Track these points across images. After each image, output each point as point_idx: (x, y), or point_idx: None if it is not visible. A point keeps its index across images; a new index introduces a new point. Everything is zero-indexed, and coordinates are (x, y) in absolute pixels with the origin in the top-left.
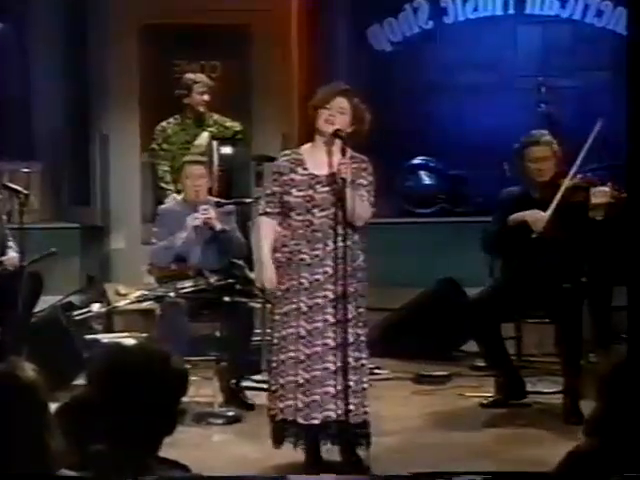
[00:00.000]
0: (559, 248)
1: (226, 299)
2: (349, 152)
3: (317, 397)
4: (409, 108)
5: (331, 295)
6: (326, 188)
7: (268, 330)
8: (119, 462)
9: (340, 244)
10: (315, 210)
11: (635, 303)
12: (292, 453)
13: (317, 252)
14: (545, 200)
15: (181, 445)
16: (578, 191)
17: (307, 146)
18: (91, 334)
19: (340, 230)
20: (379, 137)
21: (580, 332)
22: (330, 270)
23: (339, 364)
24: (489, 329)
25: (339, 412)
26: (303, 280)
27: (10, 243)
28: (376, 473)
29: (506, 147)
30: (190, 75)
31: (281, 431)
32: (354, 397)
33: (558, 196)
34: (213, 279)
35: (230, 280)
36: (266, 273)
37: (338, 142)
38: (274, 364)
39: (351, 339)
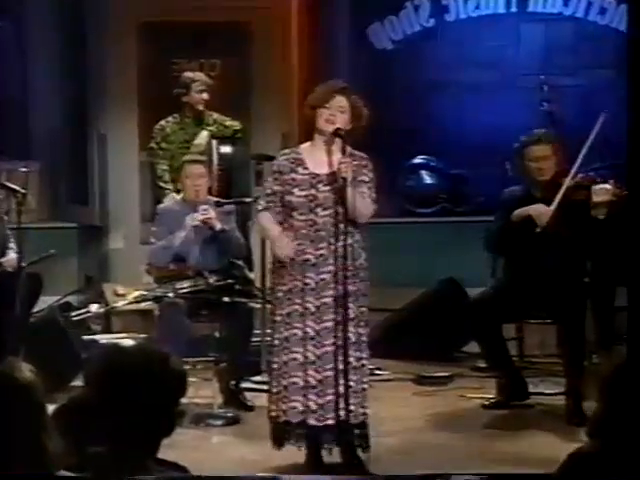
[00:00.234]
0: (561, 248)
1: (225, 299)
2: (349, 150)
3: (330, 397)
4: (410, 107)
5: (336, 294)
6: (328, 187)
7: (268, 331)
8: (117, 463)
9: (344, 243)
10: (318, 209)
11: (635, 303)
12: (292, 454)
13: (321, 251)
14: (547, 199)
15: (180, 446)
16: (580, 190)
17: (306, 145)
18: (89, 335)
19: (343, 229)
20: (380, 136)
21: (583, 333)
22: (335, 269)
23: (342, 365)
24: (491, 330)
25: (343, 413)
26: (309, 280)
27: (11, 244)
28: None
29: (508, 146)
30: (189, 74)
31: (283, 433)
32: (354, 397)
33: (561, 191)
34: (212, 279)
35: (229, 280)
36: (282, 244)
37: (338, 141)
38: (275, 365)
39: (353, 339)
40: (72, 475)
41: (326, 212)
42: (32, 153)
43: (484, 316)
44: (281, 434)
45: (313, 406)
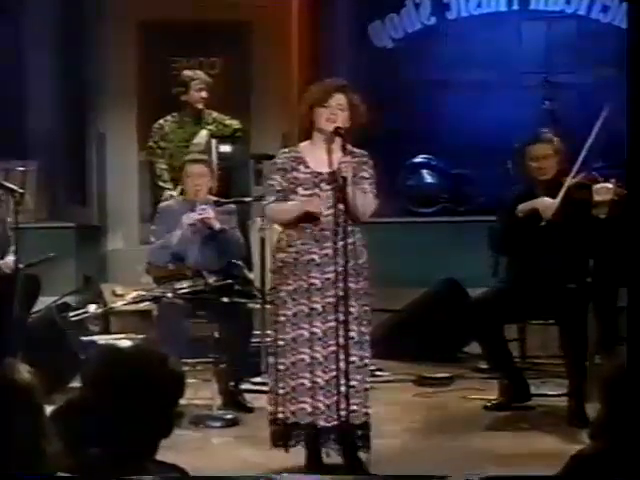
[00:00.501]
0: (564, 248)
1: (224, 300)
2: (349, 148)
3: (336, 398)
4: (411, 106)
5: (341, 293)
6: (330, 186)
7: (269, 332)
8: (115, 465)
9: (347, 241)
10: (322, 209)
11: (635, 304)
12: (292, 456)
13: (326, 251)
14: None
15: (179, 448)
16: (581, 189)
17: (305, 144)
18: (87, 335)
19: (346, 227)
20: (380, 135)
21: (585, 334)
22: (340, 268)
23: (344, 365)
24: (492, 330)
25: (346, 413)
26: (314, 280)
27: (13, 247)
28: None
29: (509, 145)
30: (188, 72)
31: (289, 434)
32: (357, 397)
33: (565, 187)
34: (211, 279)
35: (229, 280)
36: (314, 202)
37: (338, 139)
38: (281, 367)
39: (357, 338)
40: (71, 475)
41: (330, 211)
42: (30, 152)
43: (486, 317)
44: (288, 436)
45: (322, 407)
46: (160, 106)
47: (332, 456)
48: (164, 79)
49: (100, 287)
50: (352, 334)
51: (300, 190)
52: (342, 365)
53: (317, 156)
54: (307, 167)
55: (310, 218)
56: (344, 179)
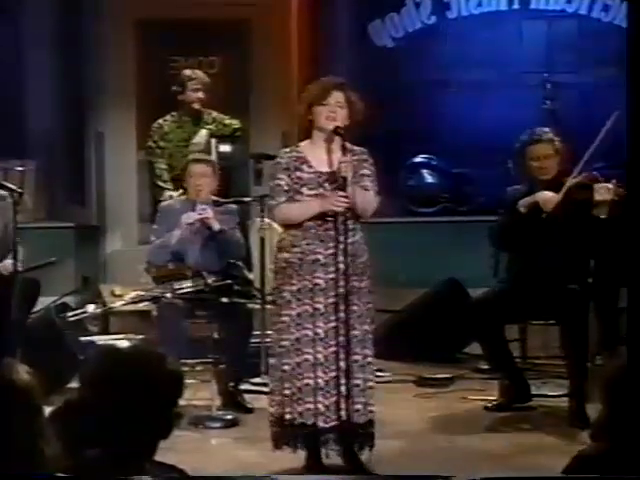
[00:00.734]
0: (564, 248)
1: (224, 300)
2: (349, 147)
3: (335, 398)
4: (411, 105)
5: (344, 291)
6: (333, 185)
7: (270, 332)
8: (114, 466)
9: (351, 240)
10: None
11: (635, 304)
12: (291, 457)
13: (331, 250)
14: None
15: (178, 449)
16: (582, 188)
17: (306, 143)
18: (86, 336)
19: (350, 226)
20: (380, 135)
21: (586, 334)
22: (343, 267)
23: (347, 364)
24: (493, 331)
25: (350, 412)
26: (318, 280)
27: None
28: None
29: (510, 145)
30: (187, 72)
31: (296, 435)
32: (362, 396)
33: (566, 186)
34: (211, 280)
35: (228, 281)
36: (333, 197)
37: (337, 138)
38: (285, 367)
39: (361, 336)
40: (70, 476)
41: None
42: (28, 152)
43: (486, 317)
44: (294, 437)
45: (321, 408)
46: (159, 105)
47: (332, 456)
48: (163, 78)
49: (99, 287)
50: (355, 332)
51: (305, 190)
52: (344, 365)
53: (318, 155)
54: (310, 167)
55: (321, 217)
56: (344, 179)
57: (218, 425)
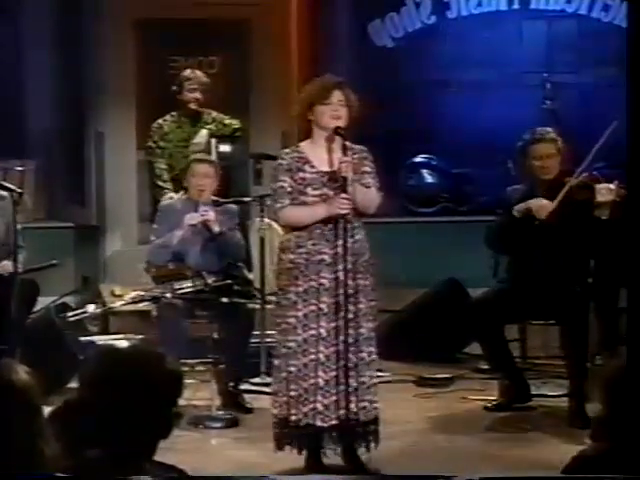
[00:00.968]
0: (564, 248)
1: (224, 300)
2: (349, 146)
3: (335, 397)
4: (411, 105)
5: (350, 291)
6: (334, 185)
7: (271, 332)
8: (114, 466)
9: (354, 239)
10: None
11: (635, 304)
12: (291, 456)
13: (336, 250)
14: (549, 198)
15: (178, 449)
16: (583, 189)
17: (306, 143)
18: (86, 336)
19: (355, 224)
20: (380, 134)
21: (586, 334)
22: (349, 266)
23: (355, 361)
24: (493, 331)
25: (355, 411)
26: (324, 280)
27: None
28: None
29: (510, 145)
30: (186, 72)
31: (301, 436)
32: (368, 393)
33: (565, 189)
34: (211, 280)
35: (228, 281)
36: (337, 199)
37: (338, 138)
38: (291, 369)
39: (366, 334)
40: (69, 476)
41: None
42: (28, 152)
43: (486, 317)
44: (300, 438)
45: (320, 407)
46: (159, 105)
47: (331, 456)
48: (163, 78)
49: (99, 287)
50: (362, 330)
51: (309, 190)
52: (350, 363)
53: (320, 155)
54: (312, 167)
55: (326, 217)
56: (344, 179)
57: (218, 425)
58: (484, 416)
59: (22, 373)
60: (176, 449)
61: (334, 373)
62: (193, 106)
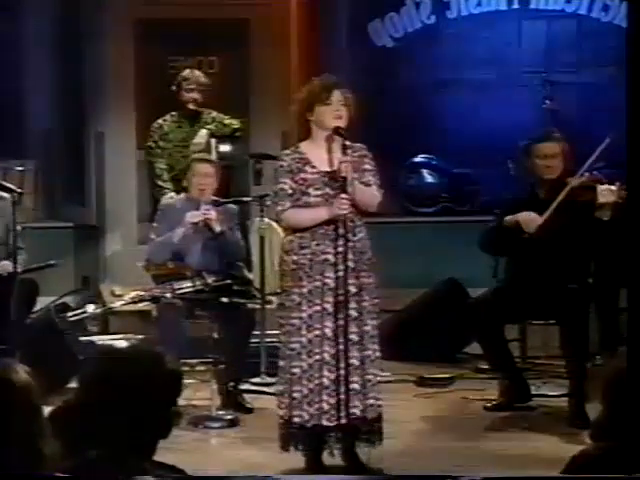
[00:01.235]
0: (564, 249)
1: (224, 300)
2: (349, 145)
3: (343, 396)
4: (411, 105)
5: (354, 289)
6: (335, 184)
7: (270, 332)
8: (113, 466)
9: (357, 237)
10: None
11: (635, 305)
12: (292, 456)
13: (339, 249)
14: (550, 199)
15: (178, 449)
16: (585, 190)
17: (306, 143)
18: (86, 336)
19: (357, 223)
20: (380, 134)
21: (586, 334)
22: (352, 264)
23: (360, 359)
24: (493, 331)
25: (361, 409)
26: (328, 280)
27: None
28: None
29: (510, 145)
30: (185, 72)
31: (306, 437)
32: (373, 391)
33: (559, 198)
34: (211, 280)
35: (228, 281)
36: (337, 201)
37: (337, 138)
38: (294, 370)
39: (371, 332)
40: (69, 476)
41: None
42: (28, 152)
43: (486, 317)
44: (305, 438)
45: (326, 407)
46: (159, 105)
47: (330, 456)
48: (163, 78)
49: (99, 287)
50: (367, 328)
51: (311, 191)
52: (356, 361)
53: (320, 155)
54: (313, 167)
55: (331, 219)
56: (344, 179)
57: (218, 425)
58: (484, 416)
59: (22, 373)
60: (176, 449)
61: (341, 372)
62: (191, 106)
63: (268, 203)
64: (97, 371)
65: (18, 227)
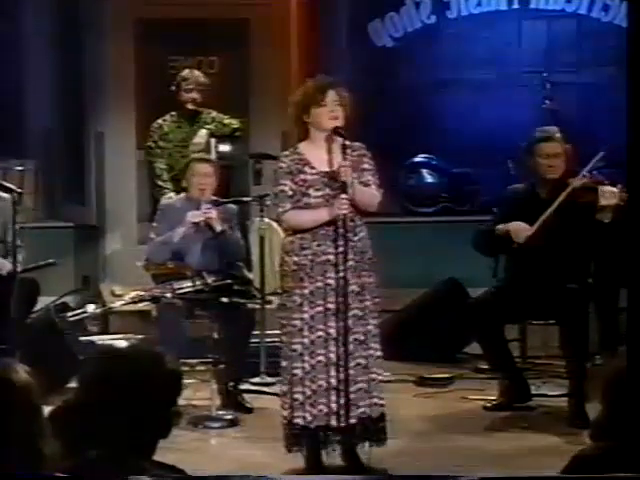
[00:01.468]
0: (564, 249)
1: (224, 300)
2: (348, 144)
3: (353, 396)
4: (411, 105)
5: (357, 289)
6: (335, 185)
7: (273, 332)
8: (113, 466)
9: (358, 237)
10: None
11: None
12: (292, 456)
13: (340, 249)
14: (551, 199)
15: (178, 449)
16: (586, 191)
17: (304, 144)
18: (86, 336)
19: (358, 223)
20: (380, 134)
21: (586, 334)
22: (354, 264)
23: (365, 358)
24: (493, 331)
25: (367, 409)
26: (330, 280)
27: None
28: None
29: (510, 144)
30: (184, 72)
31: (308, 437)
32: (376, 389)
33: (560, 199)
34: (211, 279)
35: (228, 281)
36: (337, 201)
37: (337, 138)
38: (296, 371)
39: (373, 331)
40: (69, 476)
41: None
42: (28, 152)
43: (486, 317)
44: (307, 439)
45: (334, 407)
46: (159, 105)
47: (331, 456)
48: (163, 78)
49: (99, 287)
50: (369, 327)
51: (311, 192)
52: (362, 360)
53: (319, 156)
54: (313, 168)
55: (332, 220)
56: (344, 183)
57: (218, 425)
58: (484, 416)
59: (22, 373)
60: (176, 449)
61: (348, 372)
62: (190, 106)
63: (268, 203)
64: (97, 371)
65: (17, 226)
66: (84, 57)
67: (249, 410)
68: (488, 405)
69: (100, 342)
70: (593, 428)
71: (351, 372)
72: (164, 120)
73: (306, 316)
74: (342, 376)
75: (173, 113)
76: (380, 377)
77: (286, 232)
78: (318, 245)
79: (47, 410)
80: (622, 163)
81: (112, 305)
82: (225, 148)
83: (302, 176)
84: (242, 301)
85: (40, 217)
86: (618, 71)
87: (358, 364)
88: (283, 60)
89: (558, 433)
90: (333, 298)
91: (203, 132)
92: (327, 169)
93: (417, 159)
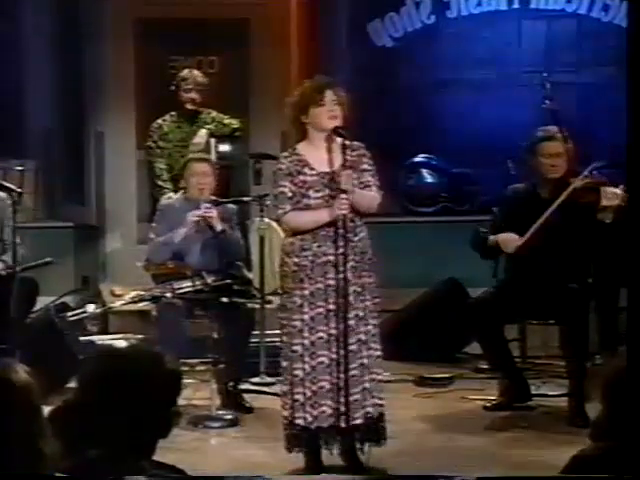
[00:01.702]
0: (564, 249)
1: (224, 300)
2: (348, 144)
3: (358, 396)
4: (411, 105)
5: (358, 289)
6: (334, 185)
7: (273, 332)
8: (113, 466)
9: (358, 238)
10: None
11: (635, 304)
12: (292, 456)
13: (341, 250)
14: (553, 199)
15: (178, 449)
16: (588, 192)
17: (303, 145)
18: (86, 335)
19: (358, 223)
20: (380, 134)
21: (586, 334)
22: (355, 265)
23: (367, 358)
24: (492, 330)
25: (371, 409)
26: (331, 281)
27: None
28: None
29: (510, 144)
30: (183, 72)
31: (309, 438)
32: (377, 389)
33: (561, 198)
34: (210, 279)
35: (228, 280)
36: (337, 201)
37: (335, 137)
38: (299, 372)
39: (374, 331)
40: (69, 476)
41: None
42: (28, 152)
43: (486, 317)
44: (309, 440)
45: (337, 408)
46: (159, 105)
47: (331, 456)
48: (163, 78)
49: (99, 287)
50: (369, 328)
51: (311, 193)
52: (365, 360)
53: (318, 156)
54: (312, 169)
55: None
56: (344, 192)
57: (218, 425)
58: (484, 416)
59: (22, 373)
60: (176, 449)
61: (349, 373)
62: (190, 106)
63: (268, 203)
64: (97, 371)
65: (11, 222)
66: (84, 57)
67: (249, 410)
68: (488, 405)
69: (100, 342)
70: (593, 428)
71: (355, 372)
72: (164, 120)
73: (306, 317)
74: (343, 377)
75: (173, 113)
76: (380, 377)
77: (286, 233)
78: (318, 246)
79: (47, 410)
80: (622, 163)
81: (112, 305)
82: (225, 148)
83: (301, 177)
84: (242, 301)
85: (40, 217)
86: (618, 71)
87: (361, 364)
88: (283, 60)
89: (558, 433)
90: (334, 299)
91: (203, 132)
92: (327, 170)
93: (417, 159)
